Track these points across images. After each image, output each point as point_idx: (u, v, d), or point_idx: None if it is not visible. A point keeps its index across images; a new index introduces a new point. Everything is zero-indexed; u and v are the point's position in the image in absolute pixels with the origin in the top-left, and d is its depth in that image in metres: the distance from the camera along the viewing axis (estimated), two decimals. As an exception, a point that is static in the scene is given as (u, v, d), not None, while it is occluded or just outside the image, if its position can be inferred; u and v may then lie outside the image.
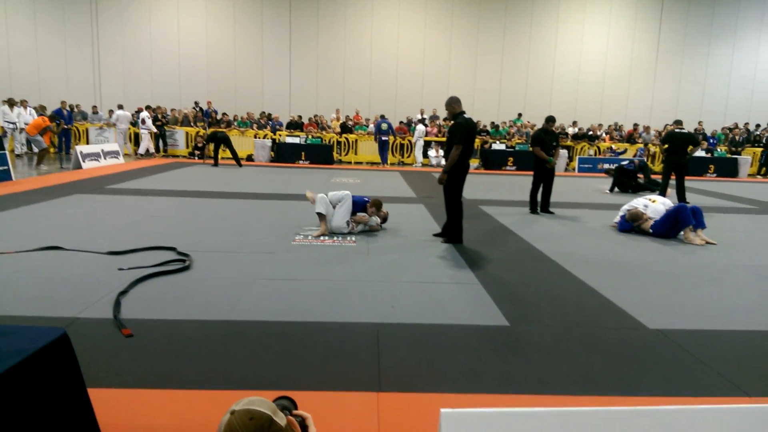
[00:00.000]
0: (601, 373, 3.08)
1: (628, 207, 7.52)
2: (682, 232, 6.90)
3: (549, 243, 6.46)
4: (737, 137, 19.68)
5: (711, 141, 19.45)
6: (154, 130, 17.61)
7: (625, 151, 18.27)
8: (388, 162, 18.11)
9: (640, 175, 12.65)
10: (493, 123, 20.21)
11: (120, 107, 17.86)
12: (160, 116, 18.05)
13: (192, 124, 18.80)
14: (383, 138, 17.43)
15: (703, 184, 14.86)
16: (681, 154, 9.73)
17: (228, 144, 15.35)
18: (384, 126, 17.38)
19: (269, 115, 19.68)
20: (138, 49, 20.96)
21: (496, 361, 3.21)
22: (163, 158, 17.12)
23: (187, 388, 2.75)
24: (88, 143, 17.42)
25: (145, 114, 17.30)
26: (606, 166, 17.07)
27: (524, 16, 21.74)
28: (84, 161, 13.12)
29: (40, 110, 17.07)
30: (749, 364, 3.26)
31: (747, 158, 18.44)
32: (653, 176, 13.26)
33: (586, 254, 6.01)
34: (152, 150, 17.53)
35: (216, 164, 15.54)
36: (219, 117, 19.44)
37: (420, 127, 18.40)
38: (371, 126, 18.72)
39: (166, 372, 2.90)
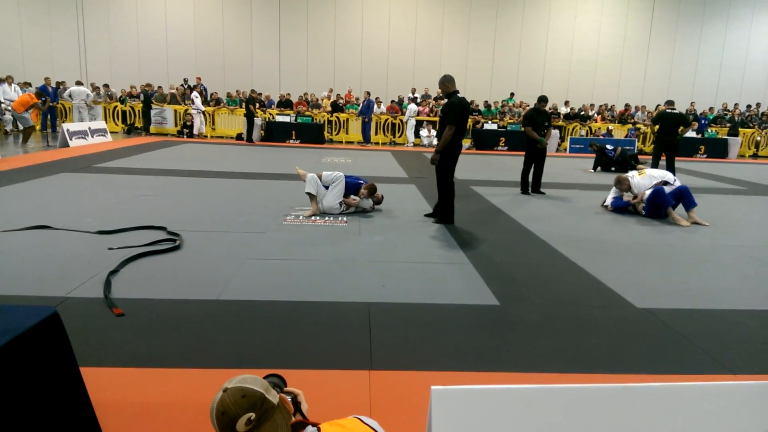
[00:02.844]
0: (589, 351, 3.13)
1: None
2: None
3: (540, 223, 6.50)
4: (737, 117, 19.73)
5: (702, 121, 19.52)
6: (203, 109, 17.60)
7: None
8: (378, 142, 18.08)
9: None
10: (486, 102, 20.13)
11: (78, 83, 17.49)
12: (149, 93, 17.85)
13: (180, 102, 18.53)
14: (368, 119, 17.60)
15: (693, 164, 14.95)
16: (671, 134, 9.76)
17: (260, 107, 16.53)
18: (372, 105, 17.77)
19: (254, 93, 19.35)
20: (124, 25, 20.52)
21: (486, 339, 3.25)
22: (151, 136, 16.91)
23: (179, 366, 2.76)
24: (74, 121, 17.13)
25: (194, 94, 17.41)
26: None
27: (517, -7, 21.51)
28: (71, 139, 12.94)
29: (24, 87, 16.72)
30: (733, 342, 3.33)
31: (737, 139, 18.53)
32: (642, 157, 13.37)
33: (576, 234, 6.05)
34: (203, 130, 17.55)
35: (251, 139, 16.27)
36: (208, 96, 19.18)
37: (412, 107, 18.31)
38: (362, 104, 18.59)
39: (158, 351, 2.91)
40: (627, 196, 7.33)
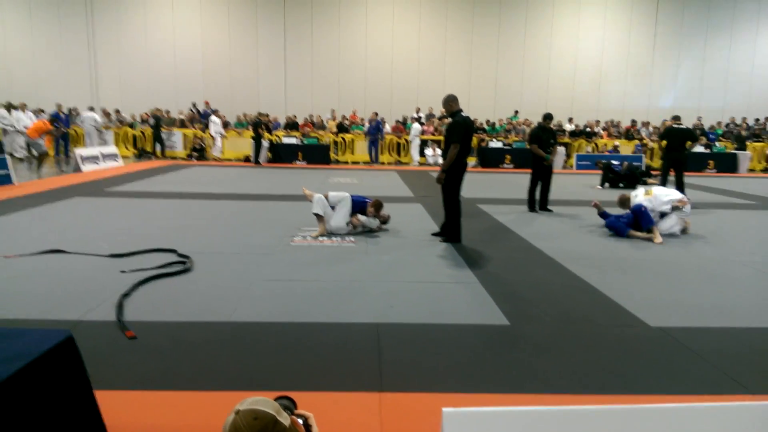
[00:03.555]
0: (602, 371, 3.10)
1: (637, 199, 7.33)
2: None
3: (548, 241, 6.49)
4: (742, 132, 19.64)
5: (710, 136, 19.46)
6: (223, 133, 17.89)
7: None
8: (384, 162, 18.20)
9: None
10: (488, 121, 20.23)
11: (90, 109, 17.89)
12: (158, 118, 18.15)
13: (189, 126, 18.80)
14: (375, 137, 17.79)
15: (702, 179, 14.88)
16: (679, 149, 9.74)
17: (266, 130, 16.59)
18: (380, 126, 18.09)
19: (261, 115, 19.58)
20: (134, 51, 20.94)
21: (496, 359, 3.23)
22: (162, 160, 17.12)
23: (191, 389, 2.77)
24: (84, 146, 17.40)
25: (213, 118, 17.79)
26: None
27: (519, 11, 21.74)
28: (83, 164, 13.12)
29: (38, 114, 17.05)
30: (751, 361, 3.28)
31: (747, 153, 18.43)
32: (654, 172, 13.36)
33: (585, 251, 6.03)
34: (220, 153, 17.90)
35: (258, 161, 16.41)
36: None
37: (416, 126, 18.49)
38: (368, 125, 18.75)
39: (169, 373, 2.93)
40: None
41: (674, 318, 3.96)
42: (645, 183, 12.39)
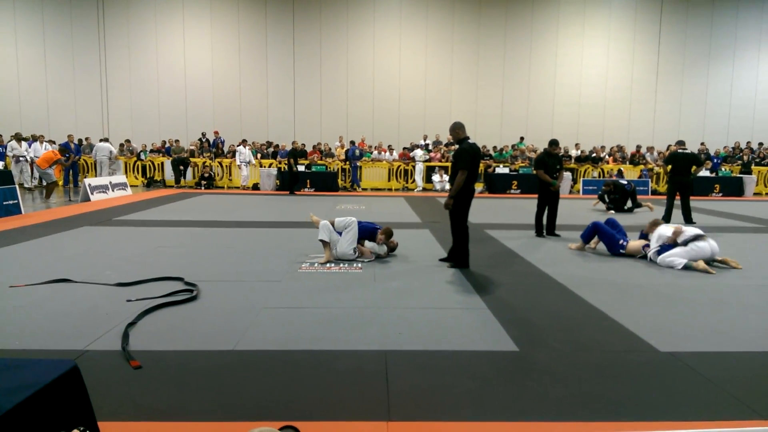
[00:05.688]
0: (613, 397, 3.04)
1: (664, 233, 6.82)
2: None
3: (556, 266, 6.44)
4: (745, 157, 19.61)
5: (715, 160, 19.47)
6: (252, 161, 18.16)
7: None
8: (392, 188, 18.28)
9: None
10: (495, 147, 20.38)
11: (104, 140, 18.25)
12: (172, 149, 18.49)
13: (199, 154, 19.06)
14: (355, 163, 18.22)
15: (708, 203, 14.81)
16: (684, 174, 9.75)
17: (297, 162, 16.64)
18: (357, 152, 18.53)
19: (274, 144, 20.04)
20: (145, 83, 21.41)
21: (506, 387, 3.18)
22: (170, 189, 17.28)
23: (196, 419, 2.73)
24: (96, 176, 17.65)
25: (241, 147, 18.16)
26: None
27: (524, 40, 22.10)
28: (92, 193, 13.26)
29: (51, 144, 17.38)
30: (763, 385, 3.21)
31: (753, 177, 18.42)
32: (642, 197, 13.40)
33: (593, 277, 5.98)
34: (246, 183, 18.13)
35: (292, 192, 16.28)
36: (226, 148, 19.78)
37: (418, 152, 18.75)
38: (360, 151, 19.03)
39: (174, 404, 2.89)
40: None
41: (684, 343, 3.90)
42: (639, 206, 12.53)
